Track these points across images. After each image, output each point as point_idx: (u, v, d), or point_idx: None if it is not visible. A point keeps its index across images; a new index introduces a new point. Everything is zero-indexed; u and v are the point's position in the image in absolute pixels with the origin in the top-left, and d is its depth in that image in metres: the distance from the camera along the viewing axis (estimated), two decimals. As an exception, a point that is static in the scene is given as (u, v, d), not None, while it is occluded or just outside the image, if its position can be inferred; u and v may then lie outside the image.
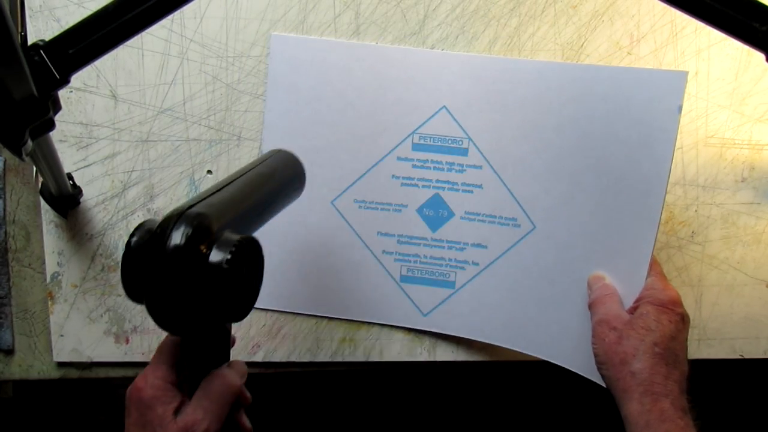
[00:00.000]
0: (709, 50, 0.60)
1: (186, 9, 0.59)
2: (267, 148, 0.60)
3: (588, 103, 0.54)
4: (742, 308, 0.62)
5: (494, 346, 0.62)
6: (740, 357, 0.63)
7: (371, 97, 0.58)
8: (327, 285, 0.61)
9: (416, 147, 0.59)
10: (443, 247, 0.60)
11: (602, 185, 0.54)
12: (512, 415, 1.25)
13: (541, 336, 0.58)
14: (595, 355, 0.50)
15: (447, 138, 0.58)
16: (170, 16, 0.43)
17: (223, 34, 0.60)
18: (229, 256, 0.35)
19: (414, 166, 0.59)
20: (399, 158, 0.59)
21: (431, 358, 0.63)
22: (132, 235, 0.37)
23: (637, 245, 0.53)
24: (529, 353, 0.59)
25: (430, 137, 0.59)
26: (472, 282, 0.60)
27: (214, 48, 0.60)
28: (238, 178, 0.43)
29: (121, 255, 0.37)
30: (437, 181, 0.59)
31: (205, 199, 0.38)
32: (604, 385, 0.53)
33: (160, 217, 0.37)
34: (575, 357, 0.56)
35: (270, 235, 0.59)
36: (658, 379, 0.45)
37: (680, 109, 0.51)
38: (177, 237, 0.35)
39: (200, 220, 0.36)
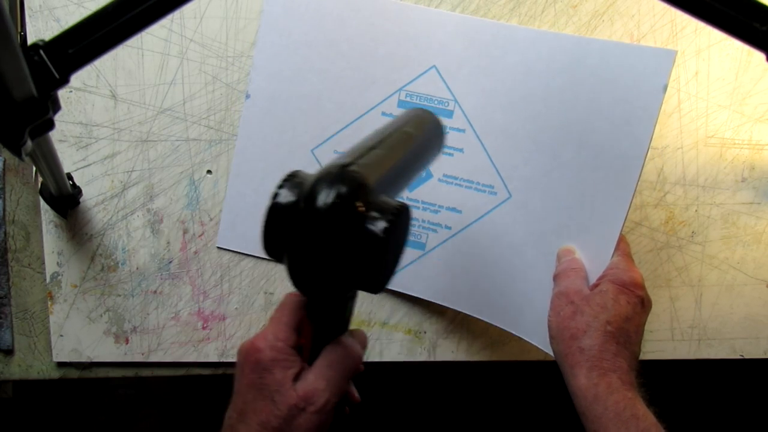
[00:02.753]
0: (709, 50, 0.60)
1: (186, 9, 0.59)
2: (254, 89, 0.59)
3: (576, 76, 0.54)
4: (742, 308, 0.62)
5: (494, 346, 0.62)
6: (740, 357, 0.63)
7: (362, 49, 0.58)
8: None
9: (402, 104, 0.58)
10: (418, 208, 0.59)
11: (581, 160, 0.54)
12: (512, 415, 1.25)
13: (505, 306, 0.58)
14: (549, 328, 0.50)
15: (433, 98, 0.58)
16: (170, 16, 0.43)
17: (223, 34, 0.60)
18: (386, 224, 0.32)
19: None
20: (383, 113, 0.59)
21: (431, 358, 0.63)
22: (281, 187, 0.34)
23: (606, 223, 0.53)
24: (491, 322, 0.58)
25: (417, 95, 0.58)
26: (442, 245, 0.59)
27: (214, 48, 0.60)
28: (388, 136, 0.40)
29: (267, 207, 0.34)
30: None
31: (361, 157, 0.35)
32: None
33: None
34: (536, 330, 0.56)
35: (246, 176, 0.60)
36: (607, 356, 0.45)
37: (665, 88, 0.50)
38: (333, 195, 0.32)
39: (360, 180, 0.33)
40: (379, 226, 0.32)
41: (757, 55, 0.38)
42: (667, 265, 0.62)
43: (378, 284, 0.34)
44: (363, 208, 0.32)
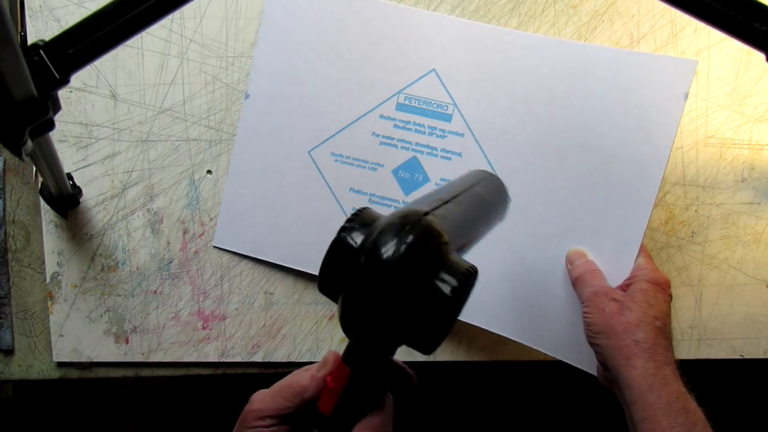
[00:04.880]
0: (709, 50, 0.60)
1: (186, 9, 0.59)
2: (254, 89, 0.59)
3: (583, 82, 0.54)
4: (742, 308, 0.62)
5: (494, 346, 0.62)
6: (740, 357, 0.63)
7: (362, 51, 0.58)
8: (292, 234, 0.60)
9: (400, 107, 0.58)
10: None
11: (589, 164, 0.55)
12: (512, 415, 1.25)
13: (503, 311, 0.58)
14: (591, 325, 0.51)
15: (432, 102, 0.58)
16: (170, 16, 0.43)
17: (223, 34, 0.60)
18: (456, 284, 0.30)
19: (395, 126, 0.58)
20: (382, 116, 0.58)
21: (431, 358, 0.63)
22: (350, 221, 0.32)
23: (627, 226, 0.54)
24: (487, 328, 0.58)
25: (416, 99, 0.58)
26: None
27: (214, 48, 0.60)
28: (461, 193, 0.38)
29: (332, 242, 0.32)
30: (417, 144, 0.58)
31: (437, 208, 0.33)
32: (567, 361, 0.55)
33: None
34: (539, 333, 0.56)
35: (244, 176, 0.60)
36: (659, 350, 0.47)
37: (686, 96, 0.52)
38: (408, 244, 0.29)
39: (437, 232, 0.31)
40: (449, 285, 0.30)
41: (757, 55, 0.38)
42: (667, 265, 0.62)
43: (433, 345, 0.32)
44: (436, 264, 0.30)
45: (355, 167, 0.59)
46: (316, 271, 0.60)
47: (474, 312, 0.58)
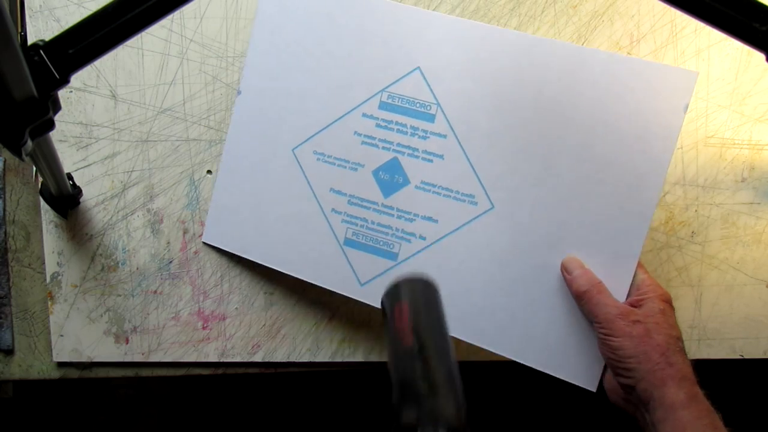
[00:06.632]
0: (709, 50, 0.60)
1: (186, 9, 0.59)
2: (246, 87, 0.59)
3: (576, 86, 0.52)
4: (742, 308, 0.62)
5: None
6: (740, 357, 0.63)
7: (350, 48, 0.57)
8: (274, 234, 0.59)
9: (383, 106, 0.57)
10: (392, 215, 0.57)
11: (581, 172, 0.53)
12: (511, 415, 1.25)
13: (483, 322, 0.55)
14: (618, 349, 0.49)
15: (415, 101, 0.56)
16: (170, 16, 0.43)
17: (223, 34, 0.60)
18: None
19: (377, 126, 0.57)
20: (364, 115, 0.57)
21: (431, 358, 0.63)
22: (404, 408, 0.35)
23: (623, 240, 0.52)
24: (466, 340, 0.56)
25: (399, 98, 0.56)
26: (415, 257, 0.56)
27: (214, 48, 0.60)
28: (449, 352, 0.40)
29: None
30: (398, 144, 0.56)
31: (457, 395, 0.37)
32: (557, 376, 0.54)
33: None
34: (524, 348, 0.55)
35: (234, 173, 0.59)
36: (689, 370, 0.49)
37: (686, 107, 0.51)
38: None
39: None
40: None
41: (757, 55, 0.38)
42: (666, 265, 0.62)
43: None
44: None
45: (336, 167, 0.58)
46: (299, 275, 0.58)
47: (455, 324, 0.55)
